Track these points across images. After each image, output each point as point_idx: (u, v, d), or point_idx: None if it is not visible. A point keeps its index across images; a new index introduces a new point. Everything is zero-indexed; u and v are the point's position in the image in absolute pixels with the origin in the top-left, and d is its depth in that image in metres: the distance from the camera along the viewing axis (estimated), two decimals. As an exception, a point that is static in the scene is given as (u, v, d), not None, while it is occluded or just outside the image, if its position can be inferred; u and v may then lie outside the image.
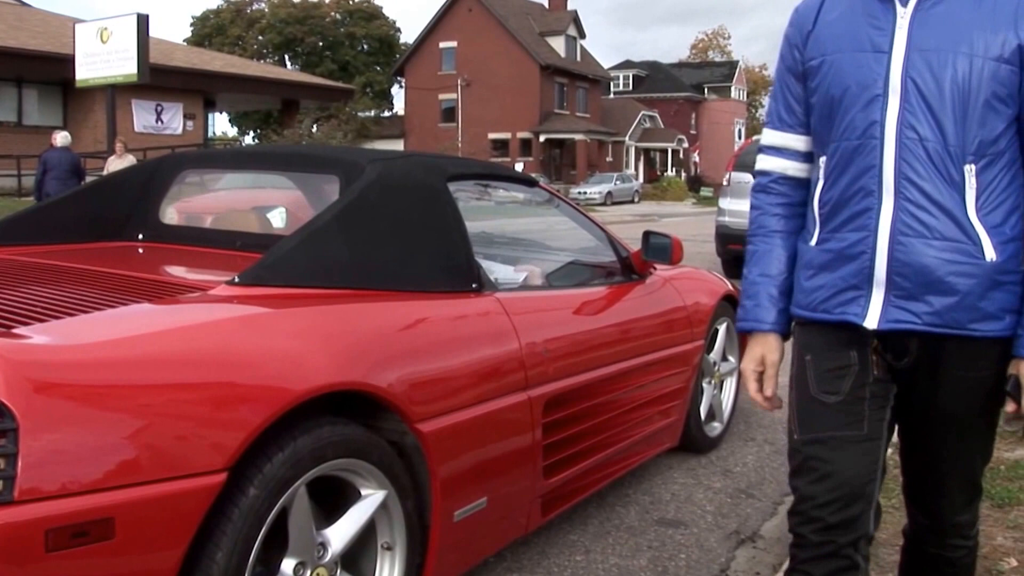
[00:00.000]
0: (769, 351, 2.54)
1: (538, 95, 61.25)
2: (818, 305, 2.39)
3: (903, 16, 2.26)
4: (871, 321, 2.29)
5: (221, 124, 76.97)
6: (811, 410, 2.44)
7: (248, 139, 68.78)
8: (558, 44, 64.50)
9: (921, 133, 2.20)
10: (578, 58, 66.62)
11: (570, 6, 68.77)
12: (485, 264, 3.96)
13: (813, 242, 2.42)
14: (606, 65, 75.14)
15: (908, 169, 2.21)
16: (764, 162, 2.60)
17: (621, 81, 78.73)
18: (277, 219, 4.43)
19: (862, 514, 2.38)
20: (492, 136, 61.03)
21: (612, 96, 75.24)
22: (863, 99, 2.27)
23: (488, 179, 4.51)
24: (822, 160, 2.40)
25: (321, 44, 73.33)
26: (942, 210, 2.20)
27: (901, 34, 2.24)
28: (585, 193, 49.83)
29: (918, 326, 2.25)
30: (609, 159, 66.03)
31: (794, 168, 2.55)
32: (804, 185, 2.53)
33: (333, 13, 74.76)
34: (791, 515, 2.46)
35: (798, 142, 2.53)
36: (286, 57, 73.50)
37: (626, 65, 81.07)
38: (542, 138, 61.49)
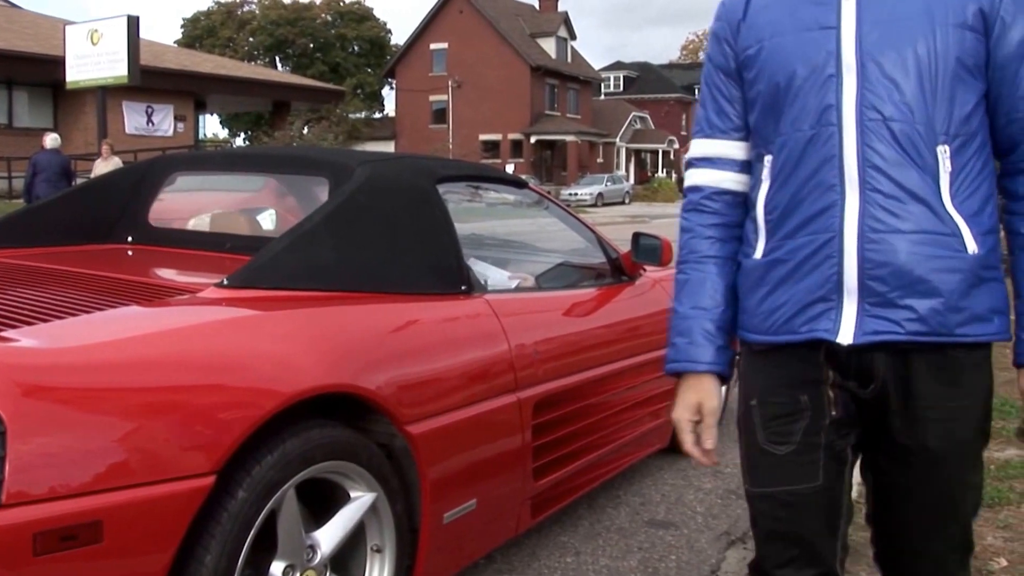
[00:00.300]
0: (706, 397, 2.19)
1: (529, 96, 61.29)
2: (781, 326, 2.06)
3: None
4: (845, 336, 1.98)
5: (212, 126, 77.08)
6: (759, 461, 2.16)
7: (239, 141, 68.78)
8: (549, 45, 64.54)
9: (886, 113, 1.94)
10: (569, 59, 66.65)
11: (561, 8, 68.83)
12: (474, 266, 3.97)
13: (759, 255, 2.12)
14: (597, 66, 75.31)
15: (874, 155, 1.94)
16: (695, 176, 2.29)
17: (612, 82, 78.86)
18: (267, 221, 4.44)
19: (829, 573, 2.12)
20: (483, 137, 61.05)
21: (603, 97, 75.35)
22: (814, 82, 2.00)
23: (478, 181, 4.51)
24: (767, 159, 2.10)
25: (312, 46, 73.31)
26: (916, 199, 1.93)
27: (848, 5, 1.99)
28: (576, 194, 49.82)
29: (900, 336, 1.95)
30: (600, 160, 66.07)
31: (731, 180, 2.23)
32: (741, 203, 2.23)
33: (324, 15, 74.74)
34: (752, 570, 2.23)
35: (734, 149, 2.23)
36: (277, 59, 73.45)
37: (617, 66, 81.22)
38: (533, 139, 61.54)
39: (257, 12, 74.03)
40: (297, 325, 2.90)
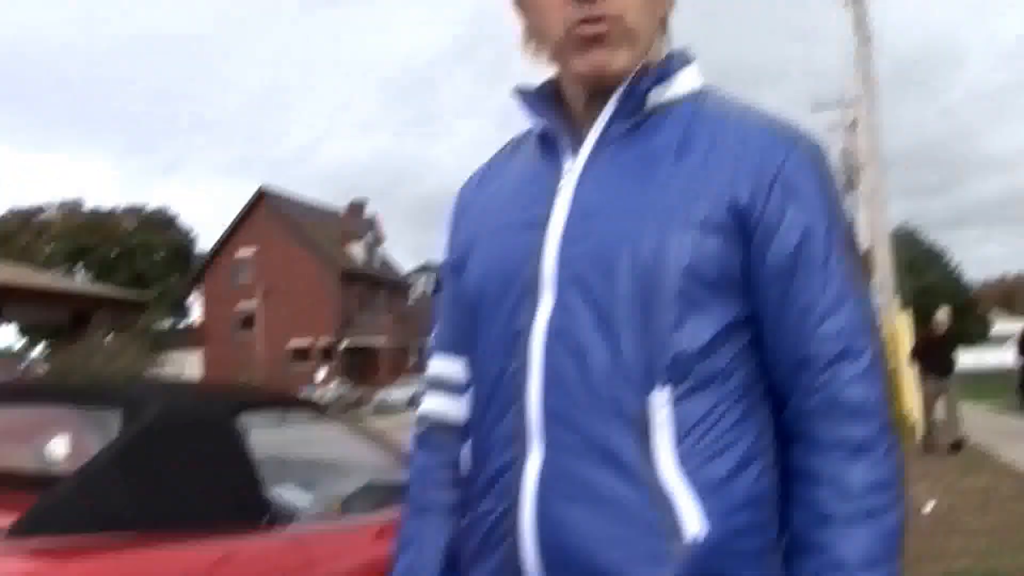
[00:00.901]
0: None
1: (339, 301, 61.65)
2: None
3: (569, 171, 1.52)
4: None
5: (8, 336, 74.49)
6: None
7: (37, 351, 66.63)
8: (358, 250, 65.40)
9: (581, 345, 1.42)
10: (378, 264, 67.51)
11: (369, 211, 70.09)
12: (279, 494, 3.88)
13: (466, 519, 1.60)
14: (410, 266, 76.54)
15: (560, 401, 1.43)
16: (423, 403, 1.76)
17: (423, 284, 79.93)
18: (55, 457, 4.25)
19: None
20: (293, 343, 60.84)
21: (414, 301, 76.21)
22: (508, 299, 1.51)
23: (276, 406, 4.47)
24: (469, 394, 1.62)
25: (115, 253, 72.38)
26: (610, 461, 1.40)
27: (564, 198, 1.50)
28: (387, 400, 49.49)
29: None
30: (413, 361, 66.31)
31: (457, 410, 1.67)
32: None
33: (125, 223, 74.16)
34: None
35: (459, 370, 1.68)
36: (80, 266, 72.11)
37: (427, 268, 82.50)
38: (344, 343, 61.49)
39: (57, 219, 72.90)
40: (86, 576, 2.77)
